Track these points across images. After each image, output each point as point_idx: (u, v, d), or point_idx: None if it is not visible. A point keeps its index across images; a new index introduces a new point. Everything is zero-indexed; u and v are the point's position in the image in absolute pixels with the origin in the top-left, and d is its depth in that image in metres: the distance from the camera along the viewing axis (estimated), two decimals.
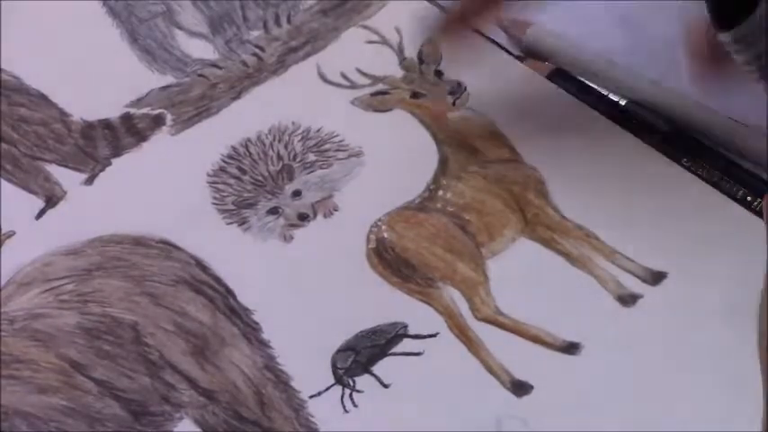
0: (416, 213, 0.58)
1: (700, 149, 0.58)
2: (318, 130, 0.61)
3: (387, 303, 0.55)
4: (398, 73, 0.64)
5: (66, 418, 0.53)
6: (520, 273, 0.56)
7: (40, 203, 0.61)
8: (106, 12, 0.69)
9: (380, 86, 0.63)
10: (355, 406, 0.52)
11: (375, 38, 0.66)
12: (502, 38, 0.64)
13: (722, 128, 0.58)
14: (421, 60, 0.64)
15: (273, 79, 0.65)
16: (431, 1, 0.67)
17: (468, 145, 0.60)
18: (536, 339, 0.53)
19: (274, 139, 0.61)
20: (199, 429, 0.53)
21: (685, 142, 0.58)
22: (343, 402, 0.52)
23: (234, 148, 0.61)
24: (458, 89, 0.62)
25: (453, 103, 0.62)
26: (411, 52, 0.65)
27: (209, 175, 0.61)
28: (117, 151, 0.63)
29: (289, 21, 0.68)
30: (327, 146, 0.61)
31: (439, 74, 0.63)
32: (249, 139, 0.61)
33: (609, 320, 0.53)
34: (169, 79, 0.66)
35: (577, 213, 0.57)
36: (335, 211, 0.59)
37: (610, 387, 0.51)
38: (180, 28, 0.68)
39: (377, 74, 0.64)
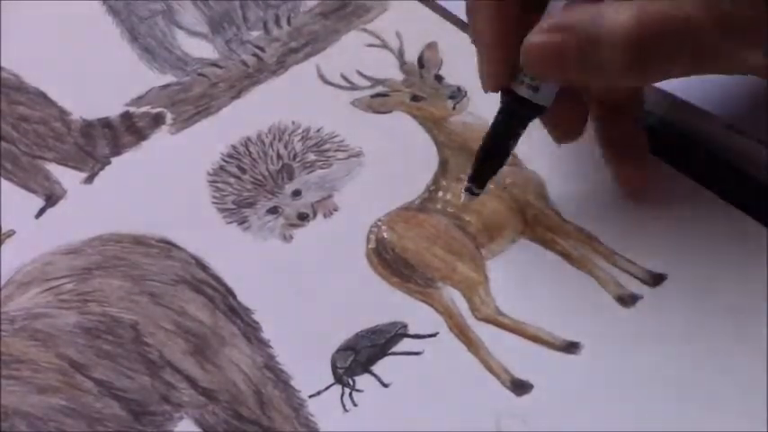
0: (416, 214, 0.58)
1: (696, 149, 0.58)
2: (318, 130, 0.62)
3: (387, 303, 0.55)
4: (399, 77, 0.64)
5: (66, 418, 0.53)
6: (520, 273, 0.55)
7: (39, 202, 0.61)
8: (106, 10, 0.69)
9: (380, 89, 0.64)
10: (355, 405, 0.52)
11: (375, 41, 0.66)
12: None
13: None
14: (421, 65, 0.64)
15: (273, 79, 0.65)
16: (433, 8, 0.67)
17: (468, 148, 0.60)
18: (536, 339, 0.53)
19: (274, 139, 0.61)
20: (199, 429, 0.52)
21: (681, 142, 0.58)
22: (342, 402, 0.52)
23: (234, 147, 0.61)
24: (458, 94, 0.62)
25: (453, 108, 0.62)
26: (411, 56, 0.65)
27: (209, 173, 0.61)
28: (117, 150, 0.63)
29: (289, 22, 0.68)
30: (327, 146, 0.61)
31: (439, 78, 0.63)
32: (249, 138, 0.62)
33: (609, 321, 0.53)
34: (169, 78, 0.66)
35: (577, 216, 0.57)
36: (335, 211, 0.59)
37: (610, 387, 0.51)
38: (180, 27, 0.68)
39: (377, 76, 0.64)
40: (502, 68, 0.52)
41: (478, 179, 0.54)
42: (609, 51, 0.47)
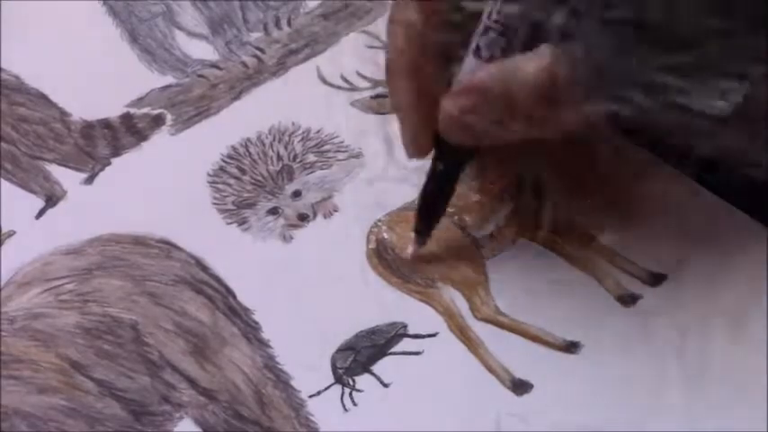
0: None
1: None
2: (318, 131, 0.62)
3: (387, 303, 0.55)
4: None
5: (67, 418, 0.53)
6: (520, 273, 0.55)
7: (39, 203, 0.61)
8: (106, 11, 0.69)
9: (380, 90, 0.63)
10: (355, 405, 0.52)
11: (376, 43, 0.66)
12: None
13: None
14: None
15: (273, 80, 0.65)
16: None
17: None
18: (536, 339, 0.53)
19: (274, 140, 0.61)
20: (199, 429, 0.53)
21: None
22: (342, 402, 0.52)
23: (234, 148, 0.61)
24: None
25: None
26: None
27: (209, 174, 0.61)
28: (117, 151, 0.63)
29: (289, 24, 0.68)
30: (327, 146, 0.61)
31: None
32: (249, 139, 0.61)
33: (609, 321, 0.53)
34: (169, 79, 0.66)
35: (577, 215, 0.57)
36: (335, 211, 0.59)
37: (610, 387, 0.51)
38: (180, 28, 0.68)
39: (377, 78, 0.64)
40: (422, 133, 0.53)
41: (424, 229, 0.55)
42: (522, 103, 0.47)
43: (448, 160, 0.53)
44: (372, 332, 0.54)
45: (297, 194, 0.59)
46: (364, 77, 0.64)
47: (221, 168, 0.61)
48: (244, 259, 0.58)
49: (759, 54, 0.42)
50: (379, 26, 0.67)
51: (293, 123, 0.62)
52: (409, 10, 0.52)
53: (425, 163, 0.59)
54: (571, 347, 0.52)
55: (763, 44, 0.42)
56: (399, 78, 0.53)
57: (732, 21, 0.41)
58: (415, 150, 0.54)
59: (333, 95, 0.64)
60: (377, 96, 0.63)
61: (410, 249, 0.56)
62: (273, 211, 0.59)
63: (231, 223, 0.59)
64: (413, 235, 0.56)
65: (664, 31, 0.42)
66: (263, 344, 0.54)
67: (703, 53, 0.42)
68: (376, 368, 0.53)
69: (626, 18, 0.43)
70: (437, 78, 0.52)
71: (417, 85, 0.53)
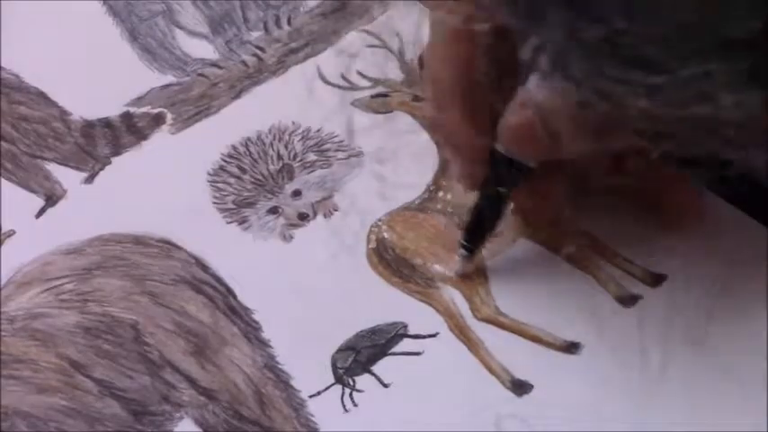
0: (416, 214, 0.58)
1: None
2: (318, 130, 0.62)
3: (387, 303, 0.55)
4: (399, 77, 0.64)
5: (66, 417, 0.53)
6: (520, 273, 0.55)
7: (39, 202, 0.61)
8: (106, 11, 0.69)
9: (381, 89, 0.63)
10: (355, 405, 0.52)
11: (376, 42, 0.66)
12: None
13: None
14: (422, 65, 0.64)
15: (274, 79, 0.65)
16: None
17: None
18: (536, 339, 0.53)
19: (274, 139, 0.61)
20: (199, 429, 0.53)
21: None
22: (343, 402, 0.52)
23: (234, 148, 0.61)
24: None
25: None
26: (412, 56, 0.65)
27: (209, 174, 0.61)
28: (117, 150, 0.63)
29: (289, 23, 0.68)
30: (327, 146, 0.61)
31: None
32: (249, 139, 0.61)
33: (609, 321, 0.53)
34: (169, 78, 0.66)
35: (577, 215, 0.57)
36: (335, 211, 0.59)
37: (610, 387, 0.51)
38: (180, 27, 0.68)
39: (377, 77, 0.64)
40: (478, 169, 0.52)
41: (474, 240, 0.54)
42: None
43: (502, 183, 0.52)
44: (372, 332, 0.54)
45: (297, 194, 0.59)
46: (365, 76, 0.64)
47: (221, 167, 0.61)
48: (244, 259, 0.58)
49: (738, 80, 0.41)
50: (379, 25, 0.67)
51: (293, 122, 0.62)
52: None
53: (425, 163, 0.60)
54: (571, 348, 0.52)
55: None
56: (452, 108, 0.52)
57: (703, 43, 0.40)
58: (472, 182, 0.54)
59: (333, 95, 0.64)
60: (377, 96, 0.63)
61: (458, 268, 0.55)
62: (274, 211, 0.59)
63: (231, 222, 0.59)
64: (458, 255, 0.55)
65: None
66: (263, 344, 0.54)
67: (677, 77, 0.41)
68: (376, 368, 0.53)
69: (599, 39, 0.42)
70: (488, 103, 0.51)
71: (471, 111, 0.52)
